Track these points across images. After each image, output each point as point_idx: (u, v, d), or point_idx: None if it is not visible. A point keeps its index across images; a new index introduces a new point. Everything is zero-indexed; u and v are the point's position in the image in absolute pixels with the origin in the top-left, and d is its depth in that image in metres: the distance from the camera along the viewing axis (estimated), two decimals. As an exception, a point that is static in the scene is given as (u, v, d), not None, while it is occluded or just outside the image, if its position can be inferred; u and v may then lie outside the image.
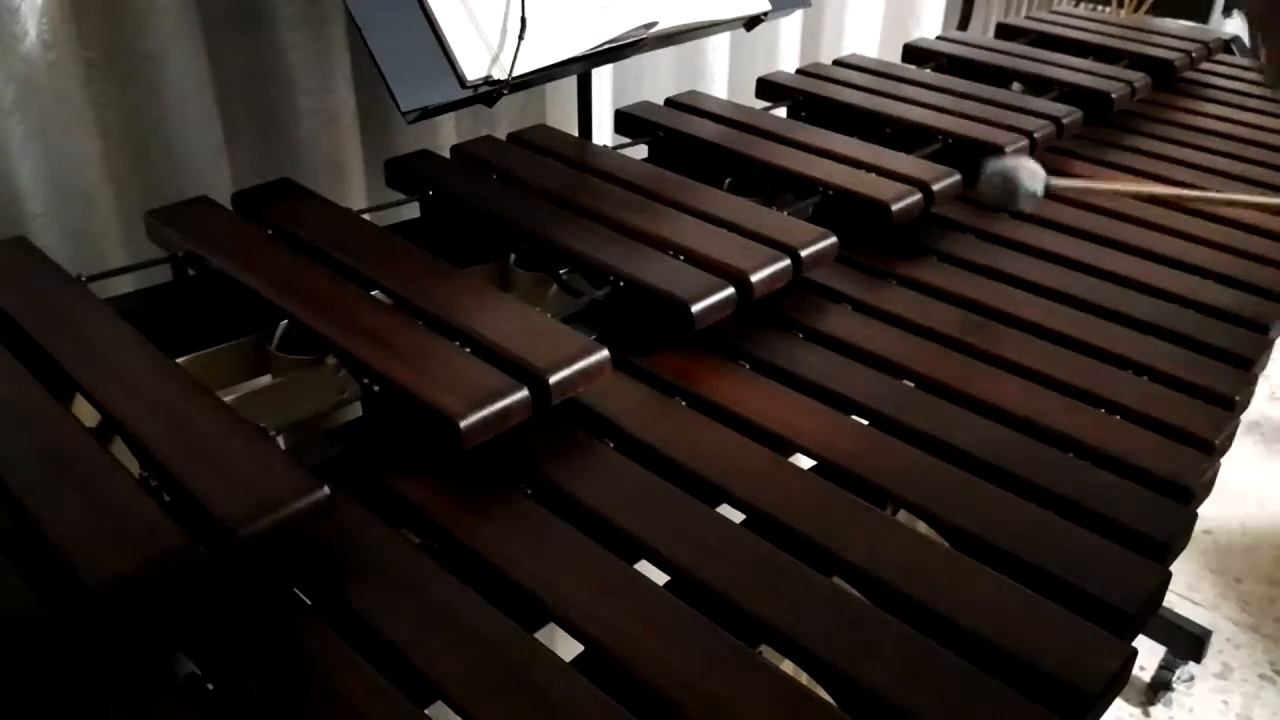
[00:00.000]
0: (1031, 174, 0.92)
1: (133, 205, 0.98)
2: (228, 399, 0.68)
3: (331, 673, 0.50)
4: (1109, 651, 0.54)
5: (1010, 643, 0.54)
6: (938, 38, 1.53)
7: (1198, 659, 1.61)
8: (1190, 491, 0.68)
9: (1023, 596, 0.58)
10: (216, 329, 0.79)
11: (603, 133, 1.25)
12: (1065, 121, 1.17)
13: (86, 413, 0.60)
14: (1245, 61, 1.67)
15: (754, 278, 0.79)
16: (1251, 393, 0.82)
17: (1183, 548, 0.66)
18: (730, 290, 0.78)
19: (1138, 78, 1.34)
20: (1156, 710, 1.56)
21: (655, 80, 1.44)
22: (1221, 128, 1.34)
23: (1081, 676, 0.53)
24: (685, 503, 0.63)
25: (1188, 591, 1.75)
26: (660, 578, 0.58)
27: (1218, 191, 1.06)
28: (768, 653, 0.54)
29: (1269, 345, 0.88)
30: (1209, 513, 0.92)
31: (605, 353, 0.67)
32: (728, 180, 1.05)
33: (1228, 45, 1.69)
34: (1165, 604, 0.81)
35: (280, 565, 0.55)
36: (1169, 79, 1.47)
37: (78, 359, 0.63)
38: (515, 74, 0.88)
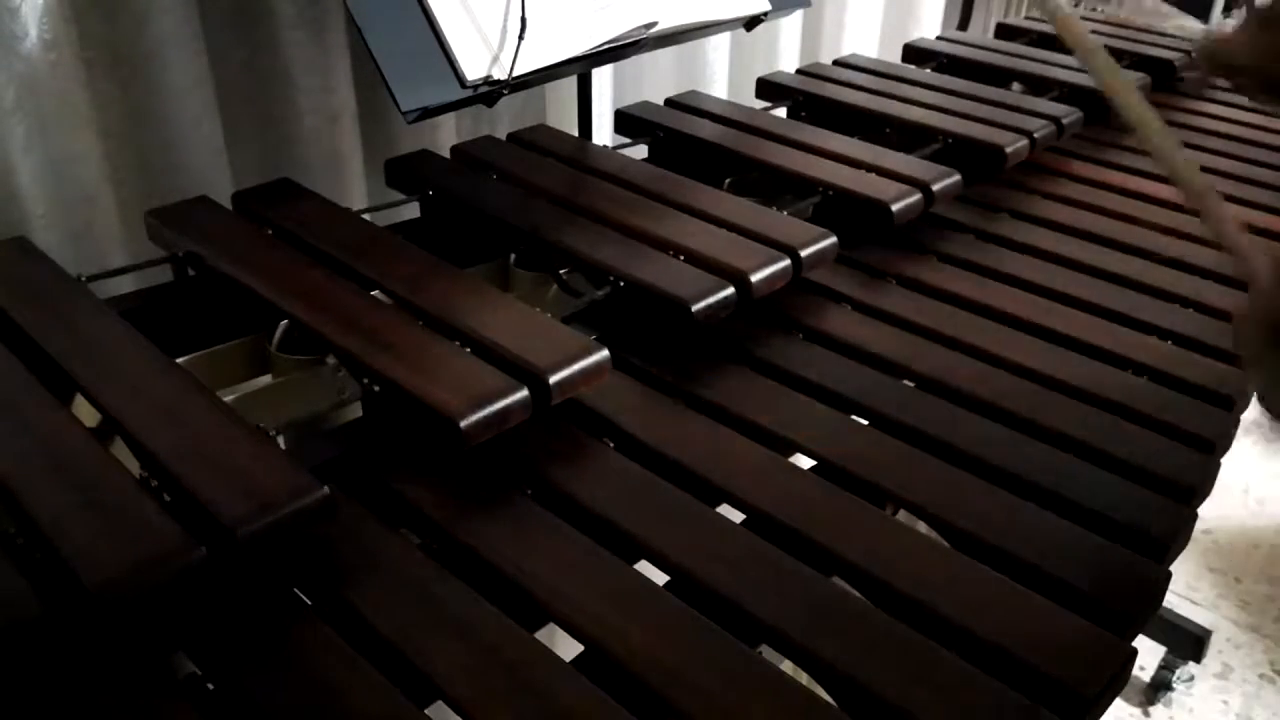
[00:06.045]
0: None
1: (133, 205, 0.98)
2: (228, 399, 0.68)
3: (332, 673, 0.50)
4: (1109, 651, 0.54)
5: (1010, 643, 0.54)
6: (938, 38, 1.53)
7: (1198, 659, 1.60)
8: (1190, 491, 0.68)
9: (1023, 596, 0.58)
10: (216, 329, 0.79)
11: (603, 133, 1.25)
12: (1065, 121, 1.17)
13: (86, 413, 0.60)
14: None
15: (754, 278, 0.79)
16: (1252, 393, 0.82)
17: (1183, 548, 0.66)
18: (730, 290, 0.78)
19: (1137, 78, 1.34)
20: (1156, 710, 1.56)
21: (655, 80, 1.44)
22: (1221, 128, 1.34)
23: (1081, 676, 0.53)
24: (685, 503, 0.63)
25: (1188, 591, 1.75)
26: (660, 578, 0.58)
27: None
28: (768, 653, 0.54)
29: (1269, 345, 0.88)
30: (1209, 513, 0.92)
31: (605, 353, 0.67)
32: (728, 180, 1.05)
33: (1228, 45, 1.69)
34: (1165, 604, 0.81)
35: (280, 565, 0.55)
36: (1169, 79, 1.47)
37: (78, 359, 0.63)
38: (515, 74, 0.88)
